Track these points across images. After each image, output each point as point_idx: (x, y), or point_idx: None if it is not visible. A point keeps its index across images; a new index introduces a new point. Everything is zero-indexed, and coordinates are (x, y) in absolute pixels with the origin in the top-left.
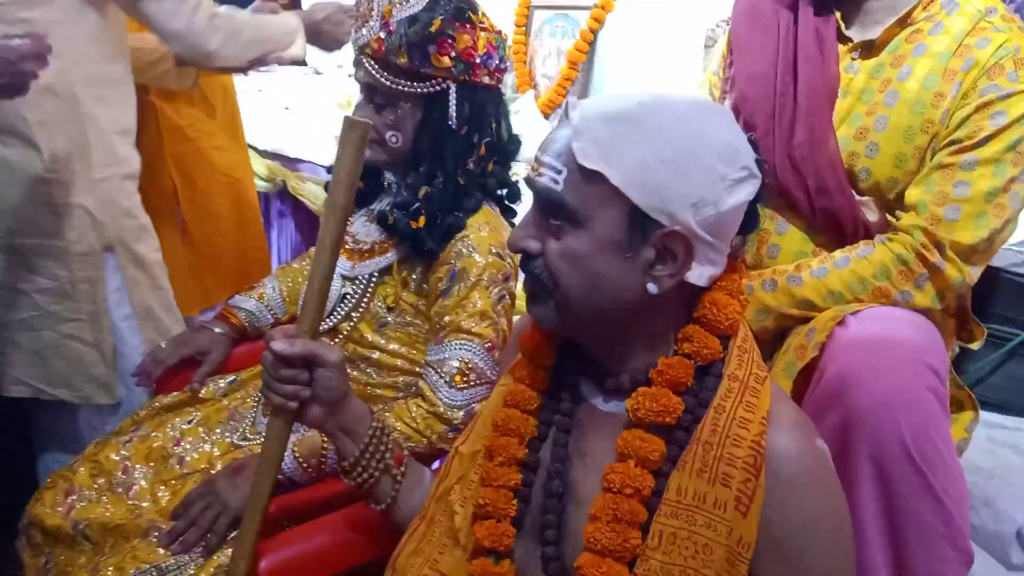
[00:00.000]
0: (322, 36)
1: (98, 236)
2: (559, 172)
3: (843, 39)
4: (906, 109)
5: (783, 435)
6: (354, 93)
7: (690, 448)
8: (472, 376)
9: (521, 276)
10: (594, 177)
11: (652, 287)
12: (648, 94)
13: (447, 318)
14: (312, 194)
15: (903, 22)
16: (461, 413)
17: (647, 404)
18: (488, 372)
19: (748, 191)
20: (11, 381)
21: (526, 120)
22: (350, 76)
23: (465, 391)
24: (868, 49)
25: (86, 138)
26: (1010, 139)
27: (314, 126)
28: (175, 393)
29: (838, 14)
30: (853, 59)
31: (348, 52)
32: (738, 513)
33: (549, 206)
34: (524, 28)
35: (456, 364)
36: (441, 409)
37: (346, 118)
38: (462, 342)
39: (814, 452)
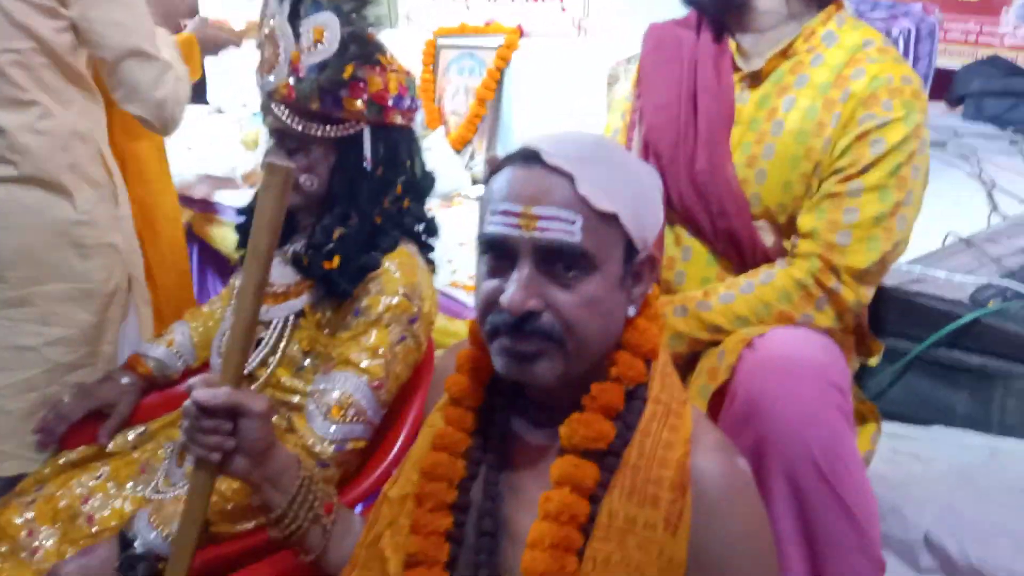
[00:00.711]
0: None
1: (123, 273)
2: (572, 222)
3: (736, 69)
4: (791, 138)
5: (706, 456)
6: (260, 131)
7: (620, 472)
8: (350, 412)
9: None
10: (608, 219)
11: (632, 310)
12: (585, 134)
13: (338, 349)
14: (219, 236)
15: (786, 53)
16: (332, 448)
17: (581, 430)
18: (369, 411)
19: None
20: (2, 457)
21: (436, 156)
22: (255, 114)
23: (340, 426)
24: (755, 79)
25: (111, 178)
26: (891, 165)
27: (218, 165)
28: (81, 448)
29: (733, 45)
30: (743, 89)
31: (251, 90)
32: (667, 533)
33: (560, 258)
34: (431, 67)
35: (336, 395)
36: (310, 442)
37: (267, 163)
38: (347, 374)
39: (736, 472)
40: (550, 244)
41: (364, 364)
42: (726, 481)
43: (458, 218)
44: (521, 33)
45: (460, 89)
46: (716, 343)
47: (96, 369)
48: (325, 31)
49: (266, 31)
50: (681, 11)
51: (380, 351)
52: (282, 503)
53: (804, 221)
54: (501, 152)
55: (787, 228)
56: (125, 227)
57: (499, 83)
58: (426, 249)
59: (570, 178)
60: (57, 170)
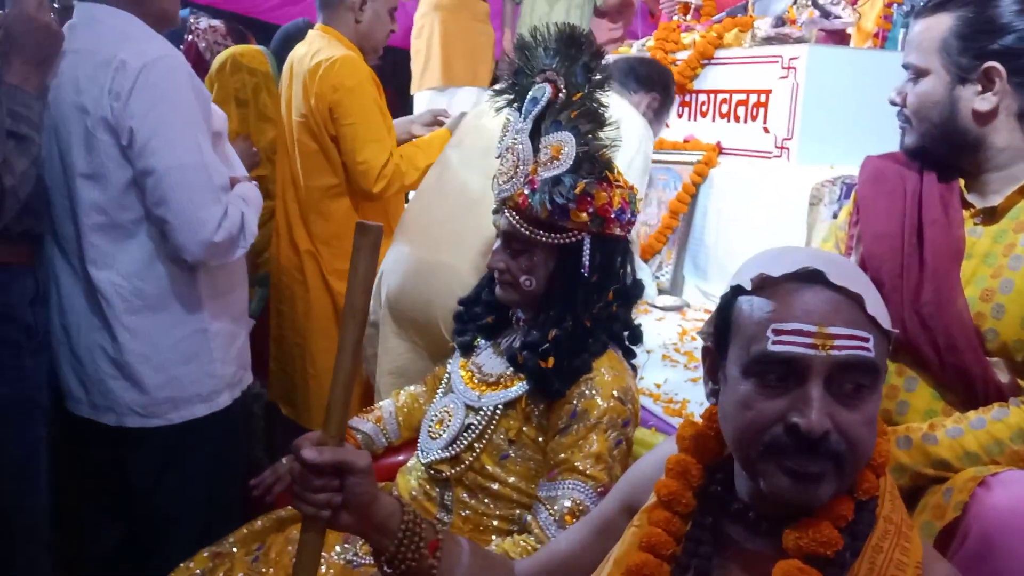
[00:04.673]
0: None
1: None
2: (867, 340)
3: (966, 205)
4: None
5: None
6: None
7: None
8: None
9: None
10: (888, 338)
11: None
12: (822, 251)
13: (562, 455)
14: None
15: (1023, 191)
16: None
17: (809, 534)
18: None
19: None
20: None
21: None
22: None
23: None
24: (990, 215)
25: None
26: None
27: None
28: (290, 507)
29: (961, 182)
30: (976, 224)
31: None
32: None
33: (851, 376)
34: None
35: (568, 504)
36: None
37: (358, 223)
38: (575, 482)
39: None
40: (849, 362)
41: (589, 471)
42: None
43: (645, 326)
44: (720, 150)
45: (653, 201)
46: (939, 480)
47: None
48: (563, 148)
49: (508, 143)
50: (886, 136)
51: (602, 457)
52: (389, 547)
53: None
54: (690, 264)
55: (1023, 366)
56: None
57: (694, 197)
58: (630, 354)
59: (859, 299)
60: None
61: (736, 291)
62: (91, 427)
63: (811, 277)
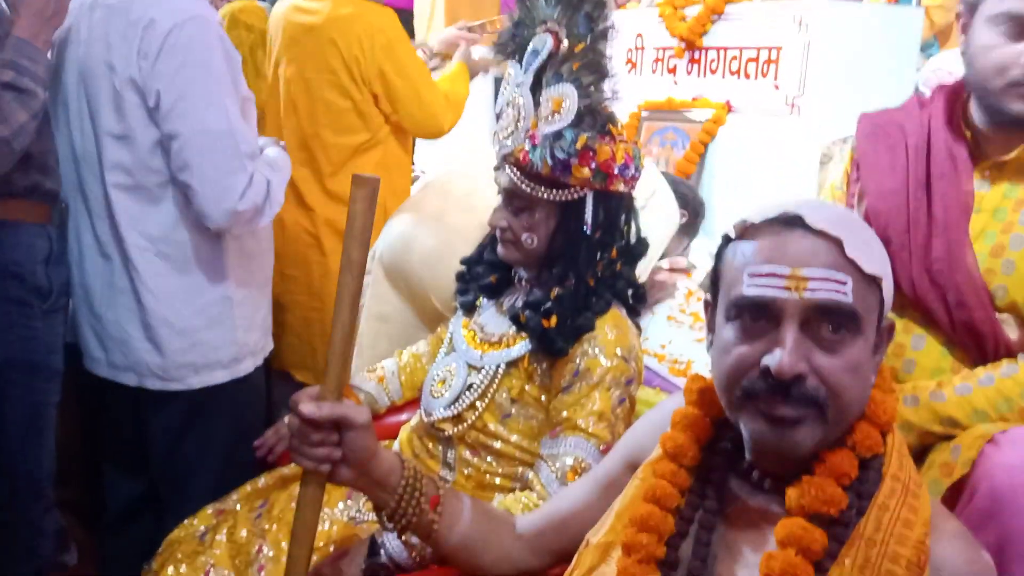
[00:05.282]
0: None
1: None
2: (844, 282)
3: (974, 159)
4: None
5: (949, 543)
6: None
7: (851, 543)
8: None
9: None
10: (871, 283)
11: (872, 377)
12: (813, 198)
13: (564, 413)
14: None
15: None
16: None
17: (812, 492)
18: None
19: None
20: None
21: None
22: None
23: None
24: (999, 169)
25: None
26: None
27: None
28: (293, 465)
29: (968, 134)
30: (984, 178)
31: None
32: None
33: (829, 319)
34: (634, 139)
35: (569, 461)
36: None
37: (355, 175)
38: (578, 439)
39: (982, 564)
40: (823, 305)
41: (592, 429)
42: (971, 570)
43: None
44: (729, 109)
45: (661, 160)
46: (947, 437)
47: None
48: (564, 102)
49: (508, 98)
50: (898, 94)
51: (604, 415)
52: (390, 503)
53: None
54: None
55: None
56: None
57: (702, 157)
58: (633, 313)
59: (838, 241)
60: None
61: (726, 240)
62: (111, 386)
63: (790, 222)
